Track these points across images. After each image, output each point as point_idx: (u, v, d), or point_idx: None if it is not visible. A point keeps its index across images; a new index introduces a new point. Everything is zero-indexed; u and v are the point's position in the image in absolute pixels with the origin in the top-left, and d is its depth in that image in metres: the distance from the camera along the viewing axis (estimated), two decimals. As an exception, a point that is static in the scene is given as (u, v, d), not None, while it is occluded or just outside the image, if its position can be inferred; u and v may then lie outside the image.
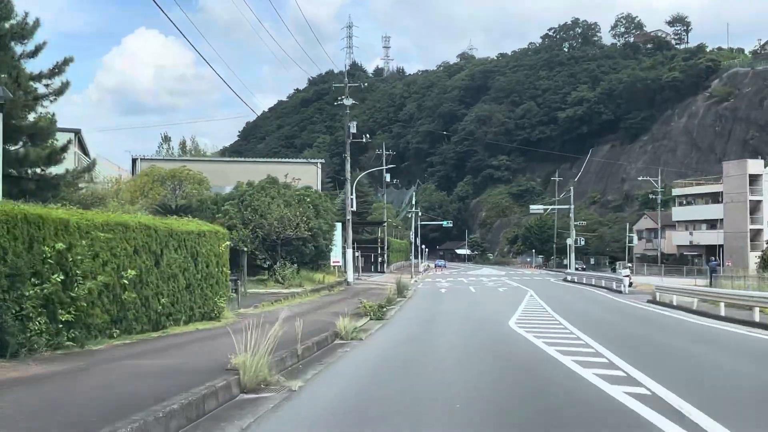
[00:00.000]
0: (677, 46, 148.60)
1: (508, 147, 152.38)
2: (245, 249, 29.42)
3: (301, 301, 25.82)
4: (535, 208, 74.15)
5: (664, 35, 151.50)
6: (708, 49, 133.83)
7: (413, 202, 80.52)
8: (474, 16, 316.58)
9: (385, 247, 68.87)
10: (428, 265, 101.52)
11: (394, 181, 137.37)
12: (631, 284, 39.00)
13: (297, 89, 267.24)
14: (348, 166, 42.59)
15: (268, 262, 31.90)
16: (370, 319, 20.39)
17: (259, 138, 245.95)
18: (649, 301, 29.51)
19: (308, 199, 32.57)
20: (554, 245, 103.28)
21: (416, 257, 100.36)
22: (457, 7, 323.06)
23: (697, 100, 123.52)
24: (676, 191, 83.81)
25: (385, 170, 71.31)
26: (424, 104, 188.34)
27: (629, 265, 57.47)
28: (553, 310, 23.71)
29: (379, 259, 68.68)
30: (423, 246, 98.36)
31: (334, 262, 39.11)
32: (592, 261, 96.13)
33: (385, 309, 21.87)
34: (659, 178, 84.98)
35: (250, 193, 31.01)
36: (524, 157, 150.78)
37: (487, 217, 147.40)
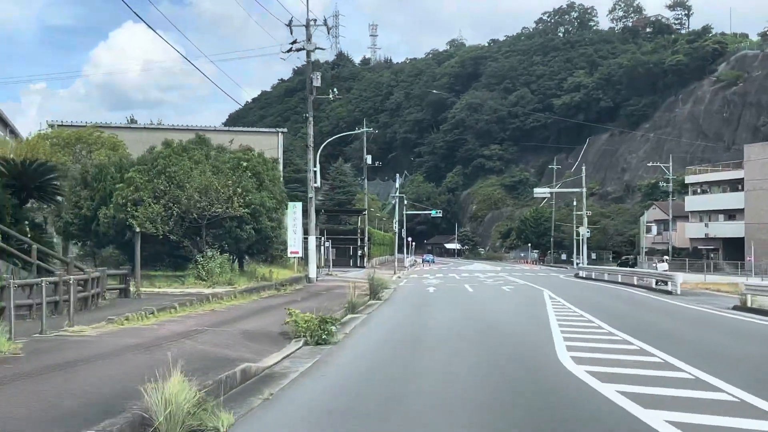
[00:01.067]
0: (679, 31, 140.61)
1: (501, 136, 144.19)
2: (155, 232, 20.68)
3: (218, 307, 17.24)
4: (540, 191, 65.43)
5: (664, 20, 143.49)
6: (711, 33, 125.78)
7: (397, 186, 71.86)
8: (463, 10, 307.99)
9: (366, 239, 60.22)
10: (415, 260, 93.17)
11: (377, 163, 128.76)
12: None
13: (281, 79, 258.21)
14: (311, 130, 34.00)
15: (194, 252, 23.18)
16: (306, 343, 11.74)
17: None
18: (736, 308, 21.10)
19: (245, 164, 23.74)
20: (551, 239, 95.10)
21: (402, 251, 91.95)
22: (446, 1, 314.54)
23: (703, 85, 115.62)
24: (689, 178, 75.65)
25: (365, 151, 62.98)
26: (412, 92, 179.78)
27: (666, 258, 48.80)
28: (612, 325, 15.27)
29: (359, 253, 60.08)
30: (410, 240, 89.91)
31: (292, 252, 30.40)
32: (593, 256, 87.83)
33: (334, 325, 13.18)
34: (670, 164, 76.84)
35: (166, 155, 22.25)
36: (517, 146, 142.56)
37: (478, 210, 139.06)
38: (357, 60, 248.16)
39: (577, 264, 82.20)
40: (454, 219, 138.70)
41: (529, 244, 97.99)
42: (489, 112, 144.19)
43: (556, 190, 71.73)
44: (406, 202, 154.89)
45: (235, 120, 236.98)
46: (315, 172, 30.39)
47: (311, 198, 30.35)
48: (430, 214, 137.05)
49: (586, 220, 59.21)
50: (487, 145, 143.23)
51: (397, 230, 70.93)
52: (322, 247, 45.14)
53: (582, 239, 58.55)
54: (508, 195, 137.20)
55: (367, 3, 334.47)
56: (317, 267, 34.60)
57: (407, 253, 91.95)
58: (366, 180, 65.79)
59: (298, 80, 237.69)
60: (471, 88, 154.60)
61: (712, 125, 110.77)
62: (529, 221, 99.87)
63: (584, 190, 58.38)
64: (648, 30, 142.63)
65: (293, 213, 30.02)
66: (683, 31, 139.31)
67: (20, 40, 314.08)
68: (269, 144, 36.90)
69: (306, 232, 29.89)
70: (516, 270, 63.13)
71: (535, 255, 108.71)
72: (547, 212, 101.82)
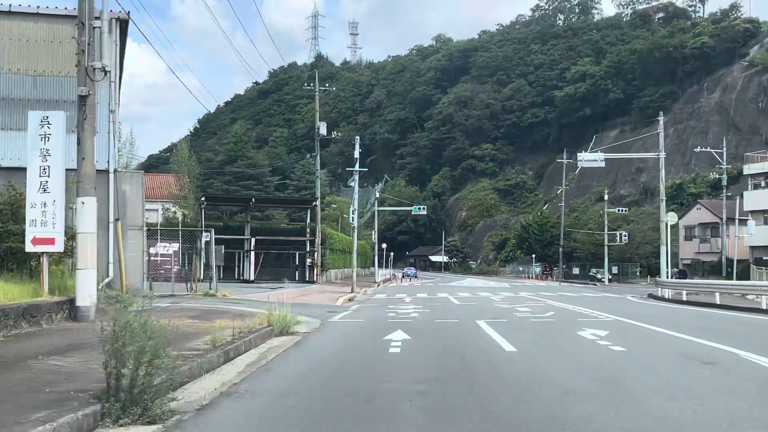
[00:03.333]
0: (696, 16, 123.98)
1: (494, 134, 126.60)
2: None
3: None
4: (588, 158, 46.26)
5: (679, 2, 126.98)
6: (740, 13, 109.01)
7: (377, 195, 53.30)
8: (449, 23, 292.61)
9: (319, 244, 41.60)
10: (393, 274, 74.64)
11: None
12: None
13: (256, 82, 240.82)
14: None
15: None
16: None
17: (210, 133, 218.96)
18: None
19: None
20: (560, 249, 77.02)
21: (382, 264, 73.51)
22: (431, 14, 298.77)
23: (733, 71, 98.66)
24: (750, 168, 57.85)
25: (317, 116, 45.09)
26: (395, 90, 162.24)
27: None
28: None
29: (307, 261, 41.44)
30: (384, 247, 71.56)
31: (38, 241, 11.66)
32: (614, 269, 69.77)
33: None
34: (723, 150, 59.12)
35: None
36: (513, 145, 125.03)
37: (467, 218, 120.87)
38: (337, 63, 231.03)
39: (601, 278, 64.15)
40: (440, 228, 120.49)
41: (533, 256, 79.69)
42: (480, 107, 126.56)
43: (611, 156, 52.70)
44: (386, 203, 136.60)
45: (205, 125, 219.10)
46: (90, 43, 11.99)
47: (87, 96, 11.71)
48: (411, 219, 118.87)
49: (663, 200, 40.84)
50: (478, 144, 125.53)
51: (375, 239, 52.57)
52: (204, 246, 26.79)
53: (665, 238, 39.46)
54: (502, 201, 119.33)
55: (349, 12, 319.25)
56: (144, 280, 16.50)
57: (384, 265, 73.40)
58: (319, 157, 47.31)
59: (273, 82, 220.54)
60: (460, 82, 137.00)
61: (746, 117, 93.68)
62: (532, 228, 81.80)
63: (662, 154, 39.90)
64: (660, 15, 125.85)
65: (41, 144, 11.53)
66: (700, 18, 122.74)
67: None
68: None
69: (81, 193, 11.27)
70: (528, 288, 44.71)
71: (537, 269, 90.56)
72: (554, 219, 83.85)
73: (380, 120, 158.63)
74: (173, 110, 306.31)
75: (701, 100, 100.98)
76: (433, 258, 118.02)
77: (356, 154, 38.24)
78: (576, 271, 76.21)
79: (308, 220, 42.52)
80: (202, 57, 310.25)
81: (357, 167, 38.98)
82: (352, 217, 40.67)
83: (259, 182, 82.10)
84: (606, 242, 62.60)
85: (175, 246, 38.32)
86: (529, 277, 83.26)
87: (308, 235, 41.73)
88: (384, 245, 61.90)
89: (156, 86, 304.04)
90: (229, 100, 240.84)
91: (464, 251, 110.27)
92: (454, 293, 33.09)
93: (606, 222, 62.95)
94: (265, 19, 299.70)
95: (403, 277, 72.69)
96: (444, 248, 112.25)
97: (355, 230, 38.06)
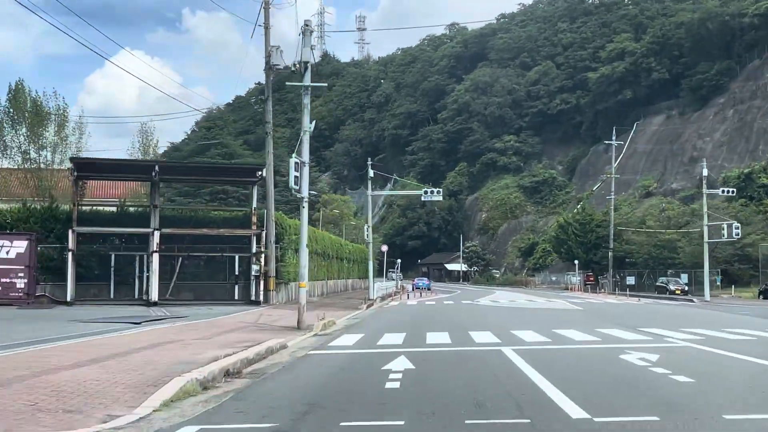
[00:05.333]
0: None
1: (518, 123, 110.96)
2: None
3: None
4: None
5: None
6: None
7: (370, 174, 37.71)
8: (464, 15, 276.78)
9: (269, 242, 26.02)
10: (401, 286, 59.26)
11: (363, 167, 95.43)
12: None
13: (258, 83, 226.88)
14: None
15: None
16: None
17: (209, 136, 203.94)
18: None
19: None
20: (610, 253, 61.17)
21: (382, 273, 58.60)
22: (442, 3, 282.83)
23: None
24: None
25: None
26: (404, 82, 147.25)
27: None
28: None
29: (253, 270, 25.93)
30: (391, 255, 56.38)
31: None
32: (683, 278, 53.69)
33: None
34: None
35: None
36: (540, 136, 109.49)
37: (488, 220, 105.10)
38: (344, 61, 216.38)
39: (676, 289, 48.25)
40: (457, 231, 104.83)
41: (576, 262, 63.72)
42: (502, 94, 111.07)
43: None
44: (394, 204, 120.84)
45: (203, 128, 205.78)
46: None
47: None
48: (423, 222, 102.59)
49: None
50: (499, 136, 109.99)
51: (369, 234, 37.02)
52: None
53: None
54: (528, 200, 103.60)
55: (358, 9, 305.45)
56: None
57: (384, 275, 58.02)
58: (271, 95, 32.01)
59: (275, 81, 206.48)
60: (478, 68, 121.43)
61: (824, 91, 77.57)
62: (572, 228, 65.82)
63: None
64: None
65: None
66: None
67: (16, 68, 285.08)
68: None
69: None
70: (612, 311, 28.79)
71: (577, 279, 74.65)
72: (598, 216, 68.00)
73: (388, 115, 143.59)
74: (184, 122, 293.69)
75: (766, 75, 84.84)
76: (450, 266, 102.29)
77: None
78: (630, 280, 60.18)
79: (253, 204, 26.97)
80: (195, 60, 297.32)
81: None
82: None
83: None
84: (705, 238, 46.93)
85: (21, 246, 23.06)
86: (569, 288, 67.37)
87: (254, 228, 26.23)
88: (385, 247, 46.37)
89: (167, 98, 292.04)
90: (230, 101, 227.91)
91: (486, 258, 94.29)
92: (503, 327, 17.42)
93: (705, 211, 47.29)
94: (274, 19, 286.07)
95: (413, 289, 57.34)
96: (462, 255, 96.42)
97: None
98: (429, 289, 56.96)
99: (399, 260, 62.58)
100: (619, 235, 63.07)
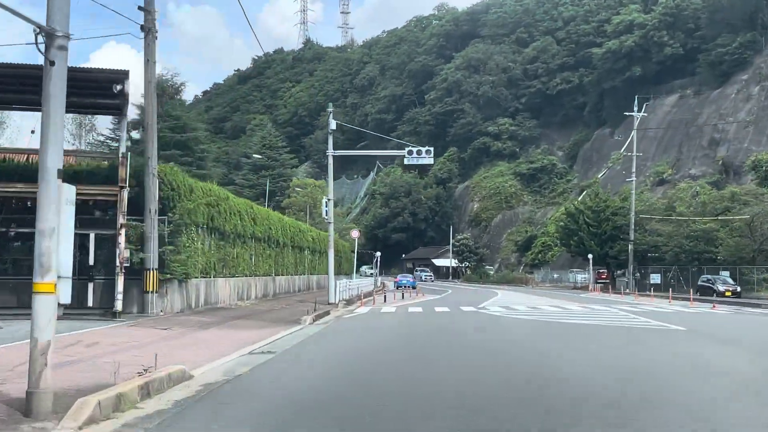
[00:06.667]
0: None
1: (513, 105, 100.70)
2: None
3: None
4: None
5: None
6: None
7: (330, 115, 27.13)
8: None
9: (149, 211, 15.02)
10: (382, 284, 49.02)
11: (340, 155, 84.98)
12: None
13: (237, 69, 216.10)
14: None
15: None
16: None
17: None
18: None
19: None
20: (631, 246, 50.91)
21: (362, 270, 48.29)
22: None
23: (843, 7, 72.57)
24: None
25: None
26: (389, 63, 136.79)
27: None
28: None
29: (120, 254, 14.94)
30: (369, 247, 45.71)
31: None
32: (728, 277, 43.30)
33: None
34: None
35: None
36: (538, 119, 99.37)
37: (481, 210, 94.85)
38: (327, 45, 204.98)
39: (726, 290, 38.16)
40: (445, 223, 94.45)
41: (590, 257, 53.27)
42: (496, 72, 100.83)
43: None
44: (377, 195, 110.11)
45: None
46: None
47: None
48: (408, 213, 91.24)
49: None
50: (492, 119, 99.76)
51: (329, 209, 26.40)
52: None
53: None
54: (525, 188, 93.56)
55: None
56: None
57: (356, 270, 47.48)
58: None
59: (254, 67, 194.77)
60: (470, 45, 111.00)
61: None
62: (584, 215, 55.43)
63: None
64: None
65: None
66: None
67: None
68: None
69: None
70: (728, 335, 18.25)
71: (580, 276, 64.68)
72: (614, 202, 57.70)
73: (372, 99, 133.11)
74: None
75: (797, 47, 75.12)
76: (438, 261, 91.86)
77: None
78: (655, 278, 50.00)
79: (122, 148, 16.18)
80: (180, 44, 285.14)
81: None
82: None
83: (188, 152, 56.41)
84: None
85: None
86: (578, 287, 57.19)
87: (120, 183, 15.47)
88: (355, 233, 35.72)
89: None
90: (208, 89, 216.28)
91: (478, 252, 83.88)
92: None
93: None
94: (257, 9, 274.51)
95: (396, 288, 47.12)
96: (452, 249, 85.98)
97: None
98: (414, 288, 46.54)
99: (378, 253, 52.00)
100: (640, 224, 52.89)
